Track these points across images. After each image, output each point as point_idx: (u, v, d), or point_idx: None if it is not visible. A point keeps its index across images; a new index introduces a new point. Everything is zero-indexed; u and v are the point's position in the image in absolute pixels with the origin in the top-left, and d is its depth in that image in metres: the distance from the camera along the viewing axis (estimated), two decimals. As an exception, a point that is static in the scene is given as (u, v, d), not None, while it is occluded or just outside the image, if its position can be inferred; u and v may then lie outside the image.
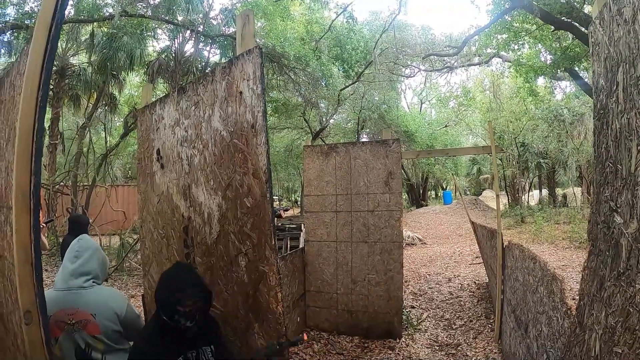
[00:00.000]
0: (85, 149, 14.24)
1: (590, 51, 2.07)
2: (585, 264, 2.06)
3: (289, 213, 23.81)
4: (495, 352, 5.01)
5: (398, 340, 5.54)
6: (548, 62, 13.28)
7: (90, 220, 6.15)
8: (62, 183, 12.85)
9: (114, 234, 11.50)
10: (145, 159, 3.27)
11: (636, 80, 1.59)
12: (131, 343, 2.34)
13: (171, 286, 2.02)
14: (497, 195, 5.88)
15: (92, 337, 2.18)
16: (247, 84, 2.21)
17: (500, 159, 21.15)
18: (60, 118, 14.39)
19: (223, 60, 12.84)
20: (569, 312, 2.30)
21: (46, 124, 14.82)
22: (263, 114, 2.12)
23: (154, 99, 3.32)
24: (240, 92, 2.26)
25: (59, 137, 14.23)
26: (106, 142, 14.66)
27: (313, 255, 5.88)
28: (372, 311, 5.64)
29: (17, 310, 1.73)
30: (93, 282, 2.32)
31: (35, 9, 10.48)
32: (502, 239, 5.02)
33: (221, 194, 2.40)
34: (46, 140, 14.29)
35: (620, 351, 1.66)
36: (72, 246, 2.33)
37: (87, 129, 14.27)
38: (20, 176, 1.47)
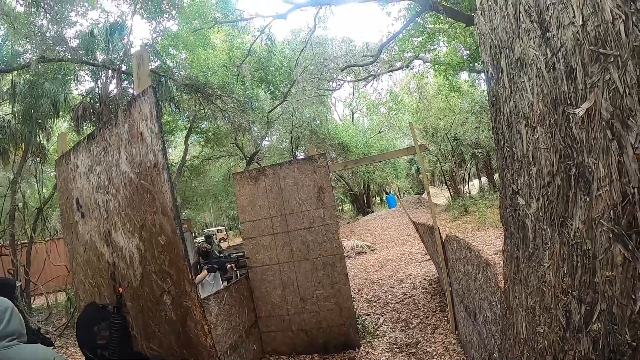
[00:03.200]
0: (19, 204, 13.52)
1: (478, 41, 2.17)
2: (503, 248, 2.17)
3: (237, 241, 23.47)
4: (454, 343, 5.15)
5: (357, 350, 5.60)
6: (465, 57, 13.92)
7: (30, 279, 5.85)
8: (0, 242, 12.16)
9: (59, 291, 10.98)
10: (67, 210, 3.21)
11: (516, 63, 1.69)
12: None
13: (85, 324, 2.09)
14: (428, 193, 6.11)
15: None
16: (146, 124, 2.25)
17: (436, 155, 21.86)
18: (-11, 174, 13.63)
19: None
20: (503, 296, 2.37)
21: (-27, 182, 14.01)
22: (163, 152, 2.15)
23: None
24: (141, 133, 2.29)
25: (-11, 195, 13.41)
26: (40, 195, 13.96)
27: (258, 281, 5.87)
28: (326, 326, 5.67)
29: None
30: (17, 341, 2.25)
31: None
32: (440, 234, 5.20)
33: (137, 235, 2.40)
34: (-23, 198, 13.46)
35: (542, 331, 1.74)
36: None
37: (18, 183, 13.55)
38: None
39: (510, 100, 1.80)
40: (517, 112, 1.75)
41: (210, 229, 25.66)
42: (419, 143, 5.74)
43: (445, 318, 6.05)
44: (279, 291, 5.80)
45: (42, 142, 14.39)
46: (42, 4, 10.84)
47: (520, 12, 1.61)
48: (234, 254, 9.44)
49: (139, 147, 2.31)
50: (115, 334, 2.05)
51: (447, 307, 5.67)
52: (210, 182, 22.55)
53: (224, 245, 19.19)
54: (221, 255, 7.99)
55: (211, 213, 34.55)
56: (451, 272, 4.98)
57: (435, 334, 5.69)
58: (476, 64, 14.20)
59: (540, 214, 1.64)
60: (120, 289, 2.14)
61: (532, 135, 1.64)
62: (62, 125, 16.93)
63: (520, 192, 1.83)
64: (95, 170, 2.73)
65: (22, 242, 12.95)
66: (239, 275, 7.45)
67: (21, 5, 11.01)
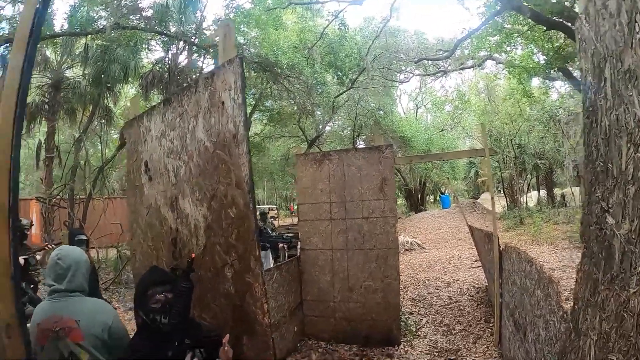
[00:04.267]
0: (81, 162, 14.20)
1: (577, 48, 2.03)
2: (579, 266, 2.01)
3: (287, 221, 23.64)
4: (495, 357, 4.95)
5: (397, 348, 5.48)
6: (541, 62, 13.28)
7: (88, 234, 6.10)
8: (59, 196, 12.81)
9: (110, 247, 11.45)
10: (133, 171, 3.26)
11: (624, 75, 1.56)
12: None
13: (143, 284, 2.13)
14: (492, 198, 5.86)
15: (76, 344, 2.14)
16: (229, 94, 2.21)
17: (498, 161, 21.10)
18: (56, 131, 14.32)
19: (217, 71, 12.82)
20: (565, 315, 2.25)
21: (42, 138, 14.83)
22: (244, 124, 2.11)
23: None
24: (222, 103, 2.25)
25: (55, 150, 14.16)
26: (102, 155, 14.61)
27: (309, 264, 5.83)
28: (370, 319, 5.57)
29: None
30: (80, 294, 2.31)
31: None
32: (498, 242, 4.98)
33: (206, 205, 2.38)
34: (42, 154, 14.26)
35: (614, 358, 1.62)
36: (52, 264, 2.28)
37: (83, 142, 14.22)
38: None
39: (611, 112, 1.66)
40: (618, 126, 1.61)
41: (263, 206, 26.12)
42: (488, 147, 5.49)
43: (489, 329, 5.81)
44: (328, 277, 5.75)
45: (109, 105, 14.99)
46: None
47: (636, 21, 1.46)
48: (287, 235, 9.51)
49: (218, 117, 2.27)
50: (180, 299, 2.04)
51: (494, 318, 5.44)
52: (268, 161, 22.72)
53: (275, 223, 19.41)
54: (273, 234, 8.02)
55: (264, 191, 35.00)
56: (504, 284, 4.77)
57: (477, 344, 5.48)
58: (552, 71, 13.49)
59: (632, 236, 1.52)
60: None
61: (635, 153, 1.51)
62: (129, 90, 17.55)
63: (611, 210, 1.68)
64: (169, 135, 2.74)
65: (81, 197, 13.63)
66: (286, 257, 7.50)
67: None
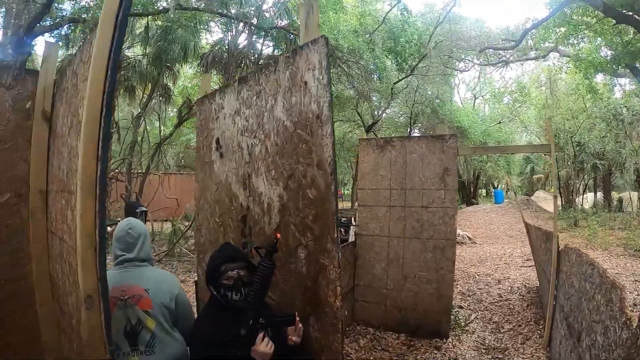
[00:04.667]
0: (139, 138, 14.73)
1: None
2: None
3: (339, 206, 23.60)
4: (544, 359, 4.83)
5: (445, 341, 5.43)
6: (608, 57, 12.56)
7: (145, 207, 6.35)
8: (117, 170, 13.38)
9: (165, 220, 11.85)
10: (203, 147, 3.31)
11: None
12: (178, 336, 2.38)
13: (216, 260, 2.20)
14: (555, 197, 5.64)
15: (145, 312, 2.22)
16: (313, 73, 2.17)
17: (556, 159, 20.19)
18: (116, 108, 14.87)
19: (276, 52, 12.92)
20: (628, 323, 2.14)
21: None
22: (329, 105, 2.07)
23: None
24: (305, 82, 2.22)
25: (114, 126, 14.73)
26: (160, 132, 15.09)
27: (365, 250, 5.80)
28: (421, 309, 5.52)
29: (75, 292, 1.77)
30: (147, 264, 2.39)
31: (92, 4, 10.84)
32: (558, 242, 4.80)
33: (283, 184, 2.37)
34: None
35: None
36: (123, 235, 2.36)
37: (142, 118, 14.74)
38: (86, 162, 1.46)
39: None
40: None
41: None
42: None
43: (539, 331, 5.66)
44: (382, 264, 5.72)
45: (168, 84, 15.42)
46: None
47: None
48: (343, 219, 9.51)
49: (300, 96, 2.25)
50: (260, 278, 2.05)
51: (544, 320, 5.29)
52: None
53: None
54: None
55: None
56: (560, 286, 4.58)
57: (525, 345, 5.35)
58: (619, 67, 12.74)
59: None
60: (278, 235, 2.13)
61: None
62: (187, 70, 17.99)
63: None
64: (244, 113, 2.74)
65: (138, 171, 14.18)
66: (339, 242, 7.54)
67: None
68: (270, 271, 2.07)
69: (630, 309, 2.28)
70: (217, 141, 3.06)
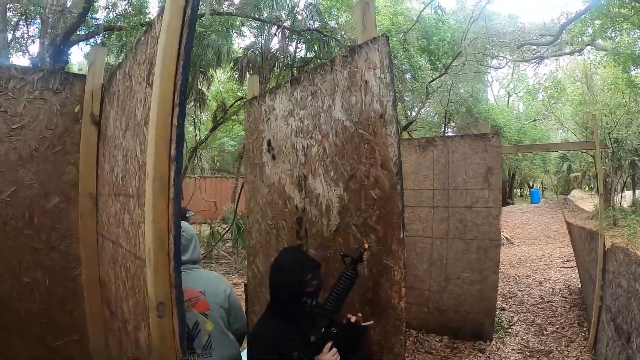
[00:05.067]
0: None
1: None
2: None
3: None
4: None
5: (488, 343, 5.38)
6: None
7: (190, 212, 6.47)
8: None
9: (203, 223, 12.03)
10: (253, 149, 3.32)
11: None
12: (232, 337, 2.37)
13: (302, 270, 2.06)
14: (601, 195, 5.46)
15: (202, 314, 2.22)
16: (374, 72, 2.15)
17: (593, 156, 19.60)
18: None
19: (309, 55, 12.97)
20: None
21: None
22: (393, 104, 2.04)
23: (240, 94, 3.37)
24: (366, 82, 2.20)
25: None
26: (195, 136, 15.33)
27: (407, 251, 5.72)
28: (464, 311, 5.48)
29: (132, 297, 1.77)
30: (198, 266, 2.42)
31: (126, 11, 11.10)
32: (604, 242, 4.68)
33: (343, 185, 2.35)
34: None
35: None
36: None
37: (182, 122, 14.99)
38: (159, 162, 1.42)
39: None
40: None
41: None
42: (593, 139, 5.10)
43: (583, 334, 5.57)
44: (425, 265, 5.68)
45: (202, 88, 15.67)
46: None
47: None
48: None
49: (360, 96, 2.22)
50: (341, 287, 2.02)
51: (588, 322, 5.26)
52: None
53: None
54: None
55: None
56: (607, 286, 4.49)
57: (569, 348, 5.28)
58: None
59: None
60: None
61: None
62: (221, 75, 18.23)
63: None
64: (298, 114, 2.74)
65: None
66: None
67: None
68: (352, 281, 2.03)
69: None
70: (269, 143, 3.06)
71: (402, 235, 2.01)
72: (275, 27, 12.41)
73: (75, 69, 18.38)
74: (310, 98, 2.63)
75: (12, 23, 10.20)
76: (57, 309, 2.56)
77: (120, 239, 1.99)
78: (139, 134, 1.74)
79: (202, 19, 11.98)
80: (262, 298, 3.14)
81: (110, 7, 10.99)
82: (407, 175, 5.83)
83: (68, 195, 2.63)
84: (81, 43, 11.02)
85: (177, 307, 1.39)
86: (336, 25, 12.70)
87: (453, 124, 19.79)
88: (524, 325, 6.16)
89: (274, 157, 3.01)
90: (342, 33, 12.77)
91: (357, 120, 2.25)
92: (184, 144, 12.16)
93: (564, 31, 14.22)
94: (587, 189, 33.34)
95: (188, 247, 2.39)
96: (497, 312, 6.20)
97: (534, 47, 16.71)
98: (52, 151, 2.60)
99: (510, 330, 5.91)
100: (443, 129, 18.77)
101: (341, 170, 2.36)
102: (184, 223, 2.51)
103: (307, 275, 2.02)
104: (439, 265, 5.59)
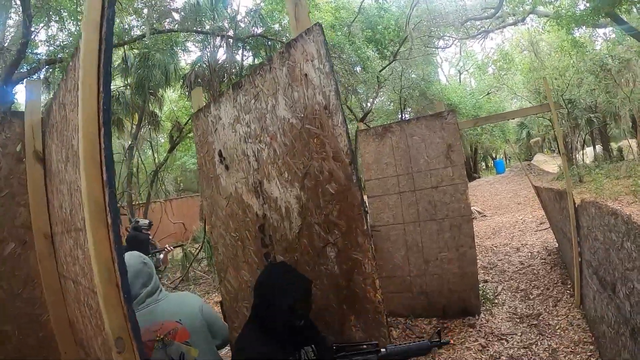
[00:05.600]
0: (135, 169, 14.66)
1: None
2: None
3: None
4: (579, 318, 4.84)
5: (477, 317, 5.42)
6: (588, 9, 12.46)
7: (150, 236, 6.25)
8: (118, 205, 13.27)
9: (176, 246, 11.73)
10: (206, 163, 3.20)
11: None
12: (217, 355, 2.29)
13: (288, 298, 1.90)
14: (563, 154, 5.56)
15: (185, 343, 2.11)
16: (312, 64, 2.07)
17: (549, 119, 20.22)
18: (104, 142, 14.78)
19: (256, 61, 12.83)
20: None
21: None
22: (336, 93, 1.96)
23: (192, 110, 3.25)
24: (306, 75, 2.12)
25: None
26: (154, 159, 15.02)
27: (381, 240, 5.72)
28: (447, 290, 5.48)
29: (100, 336, 1.64)
30: (165, 291, 2.28)
31: (66, 42, 10.76)
32: (573, 199, 4.75)
33: (298, 184, 2.27)
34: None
35: None
36: (141, 268, 2.23)
37: (134, 149, 14.66)
38: (91, 188, 1.32)
39: None
40: None
41: None
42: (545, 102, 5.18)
43: (568, 291, 5.69)
44: (402, 252, 5.65)
45: (154, 110, 15.34)
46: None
47: None
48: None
49: (302, 90, 2.14)
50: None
51: (572, 279, 5.30)
52: None
53: None
54: None
55: None
56: (583, 242, 4.54)
57: (557, 307, 5.37)
58: (600, 17, 12.67)
59: None
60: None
61: None
62: (171, 94, 17.90)
63: None
64: (244, 119, 2.64)
65: (138, 202, 14.11)
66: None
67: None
68: None
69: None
70: (220, 153, 2.95)
71: (366, 227, 1.94)
72: (219, 38, 12.22)
73: (21, 107, 17.71)
74: (253, 101, 2.54)
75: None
76: (33, 358, 2.40)
77: (79, 276, 1.85)
78: (77, 163, 1.62)
79: (144, 39, 11.73)
80: (240, 313, 3.02)
81: (50, 40, 10.63)
82: (369, 165, 5.80)
83: (23, 239, 2.45)
84: (25, 80, 10.56)
85: (136, 340, 1.29)
86: (280, 28, 12.60)
87: (410, 109, 20.04)
88: (509, 293, 6.22)
89: (227, 168, 2.90)
90: (287, 35, 12.70)
91: (302, 115, 2.17)
92: (144, 169, 11.94)
93: (504, 3, 14.54)
94: (548, 152, 34.35)
95: (152, 275, 2.26)
96: (480, 285, 6.23)
97: (478, 23, 17.09)
98: (-1, 196, 2.42)
99: (496, 301, 5.96)
100: (400, 116, 18.99)
101: (294, 169, 2.27)
102: (135, 253, 2.37)
103: (299, 299, 1.89)
104: (416, 250, 5.57)
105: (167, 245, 6.01)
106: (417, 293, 5.64)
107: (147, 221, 5.81)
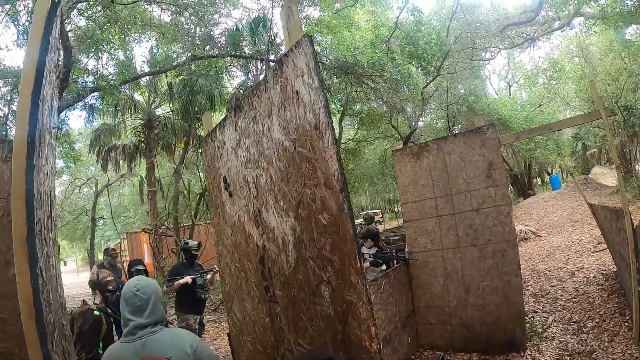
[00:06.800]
0: (184, 191, 14.99)
1: None
2: None
3: (393, 224, 23.13)
4: (637, 357, 4.21)
5: (522, 353, 4.85)
6: (636, 5, 11.55)
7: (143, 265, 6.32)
8: (164, 226, 13.56)
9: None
10: (214, 189, 3.07)
11: None
12: None
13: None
14: (618, 167, 5.00)
15: None
16: (302, 80, 1.87)
17: (604, 129, 18.95)
18: (156, 166, 15.29)
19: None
20: None
21: (143, 173, 15.92)
22: (325, 110, 1.74)
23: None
24: (297, 92, 1.92)
25: (156, 184, 15.12)
26: (201, 181, 15.29)
27: (418, 268, 5.34)
28: (490, 322, 4.96)
29: None
30: (160, 326, 2.09)
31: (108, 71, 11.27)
32: (630, 219, 4.20)
33: (293, 214, 2.05)
34: (145, 189, 15.38)
35: None
36: (130, 296, 2.07)
37: (181, 172, 15.01)
38: (16, 222, 1.33)
39: None
40: None
41: (368, 211, 26.06)
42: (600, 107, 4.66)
43: (626, 323, 5.02)
44: (440, 280, 5.22)
45: (201, 134, 15.71)
46: (187, 11, 11.64)
47: None
48: (393, 237, 9.09)
49: (294, 109, 1.94)
50: None
51: (631, 310, 4.66)
52: (366, 165, 22.31)
53: (380, 228, 19.14)
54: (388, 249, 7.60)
55: (367, 196, 34.98)
56: None
57: (613, 343, 4.72)
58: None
59: None
60: None
61: None
62: (219, 118, 18.32)
63: None
64: (244, 143, 2.47)
65: (185, 224, 14.34)
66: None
67: (167, 14, 12.00)
68: None
69: None
70: (224, 180, 2.79)
71: (359, 264, 1.68)
72: (259, 62, 12.37)
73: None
74: (252, 124, 2.36)
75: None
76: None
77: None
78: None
79: (188, 65, 12.05)
80: (245, 347, 2.82)
81: (94, 71, 11.12)
82: (405, 187, 5.46)
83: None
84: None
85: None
86: (320, 49, 12.58)
87: (460, 125, 19.42)
88: (561, 326, 5.56)
89: (230, 195, 2.73)
90: (330, 57, 12.72)
91: (294, 137, 1.96)
92: (189, 192, 12.09)
93: (547, 7, 13.84)
94: (606, 164, 32.35)
95: (144, 308, 2.08)
96: (528, 317, 5.73)
97: (524, 32, 16.41)
98: (7, 219, 2.38)
99: (545, 335, 5.33)
100: (449, 133, 18.45)
101: (289, 197, 2.06)
102: (143, 280, 2.20)
103: None
104: (456, 278, 5.12)
105: (215, 266, 6.04)
106: (456, 325, 5.16)
107: (196, 242, 5.85)
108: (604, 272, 7.40)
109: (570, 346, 4.93)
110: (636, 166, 19.66)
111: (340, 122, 17.42)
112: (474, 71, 17.73)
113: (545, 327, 5.59)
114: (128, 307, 2.07)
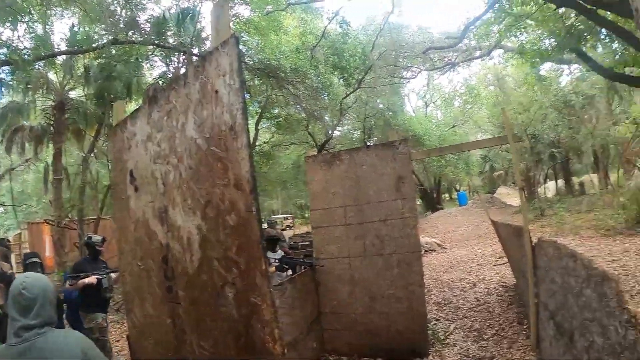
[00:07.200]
0: (92, 182, 14.05)
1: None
2: None
3: (303, 229, 23.32)
4: None
5: (425, 359, 5.11)
6: (553, 45, 12.74)
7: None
8: (68, 217, 12.66)
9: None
10: (118, 182, 2.91)
11: None
12: None
13: None
14: (521, 189, 5.44)
15: None
16: (224, 80, 1.85)
17: (512, 153, 20.58)
18: (63, 153, 14.17)
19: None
20: (633, 320, 1.87)
21: (49, 160, 14.68)
22: (243, 112, 1.74)
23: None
24: (216, 91, 1.89)
25: (62, 172, 13.98)
26: (110, 173, 14.42)
27: (325, 274, 5.43)
28: (395, 330, 5.18)
29: None
30: (47, 327, 1.94)
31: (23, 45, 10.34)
32: (530, 237, 4.56)
33: (200, 213, 2.01)
34: (50, 176, 14.15)
35: None
36: (16, 294, 1.91)
37: (90, 161, 14.07)
38: None
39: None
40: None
41: (275, 216, 25.89)
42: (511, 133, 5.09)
43: (524, 332, 5.41)
44: (347, 287, 5.35)
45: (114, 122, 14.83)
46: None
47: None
48: (301, 243, 9.11)
49: (212, 108, 1.91)
50: None
51: (529, 320, 5.02)
52: (279, 169, 22.46)
53: (289, 233, 19.08)
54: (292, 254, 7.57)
55: (279, 200, 34.93)
56: (540, 282, 4.32)
57: (512, 349, 5.07)
58: (565, 52, 12.90)
59: None
60: None
61: None
62: (133, 107, 17.37)
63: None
64: (155, 137, 2.38)
65: (90, 217, 13.45)
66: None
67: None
68: None
69: (629, 303, 2.00)
70: (131, 173, 2.67)
71: (264, 267, 1.69)
72: (182, 55, 11.96)
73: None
74: (166, 118, 2.28)
75: None
76: None
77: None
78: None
79: (108, 49, 11.37)
80: (146, 350, 2.70)
81: (8, 43, 10.10)
82: (315, 194, 5.54)
83: None
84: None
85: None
86: (245, 49, 12.46)
87: (376, 138, 20.10)
88: (462, 333, 5.91)
89: (136, 189, 2.62)
90: (254, 58, 12.60)
91: (208, 136, 1.93)
92: (97, 183, 11.35)
93: (470, 37, 14.77)
94: (511, 185, 35.25)
95: (31, 308, 1.91)
96: (431, 324, 6.01)
97: (446, 54, 17.40)
98: None
99: (447, 341, 5.64)
100: (364, 145, 19.06)
101: (197, 196, 2.01)
102: (30, 277, 2.03)
103: None
104: (362, 286, 5.29)
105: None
106: (362, 331, 5.32)
107: (100, 237, 5.44)
108: (504, 284, 7.93)
109: (471, 352, 5.22)
110: (539, 189, 21.50)
111: (257, 124, 17.38)
112: (394, 88, 18.48)
113: (447, 334, 5.88)
114: (14, 306, 1.91)
